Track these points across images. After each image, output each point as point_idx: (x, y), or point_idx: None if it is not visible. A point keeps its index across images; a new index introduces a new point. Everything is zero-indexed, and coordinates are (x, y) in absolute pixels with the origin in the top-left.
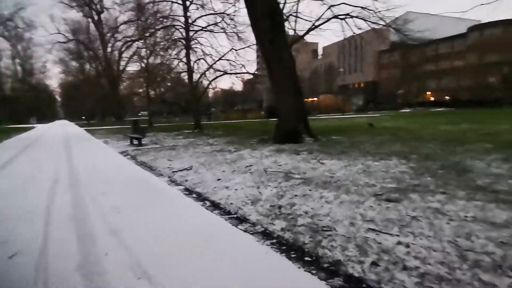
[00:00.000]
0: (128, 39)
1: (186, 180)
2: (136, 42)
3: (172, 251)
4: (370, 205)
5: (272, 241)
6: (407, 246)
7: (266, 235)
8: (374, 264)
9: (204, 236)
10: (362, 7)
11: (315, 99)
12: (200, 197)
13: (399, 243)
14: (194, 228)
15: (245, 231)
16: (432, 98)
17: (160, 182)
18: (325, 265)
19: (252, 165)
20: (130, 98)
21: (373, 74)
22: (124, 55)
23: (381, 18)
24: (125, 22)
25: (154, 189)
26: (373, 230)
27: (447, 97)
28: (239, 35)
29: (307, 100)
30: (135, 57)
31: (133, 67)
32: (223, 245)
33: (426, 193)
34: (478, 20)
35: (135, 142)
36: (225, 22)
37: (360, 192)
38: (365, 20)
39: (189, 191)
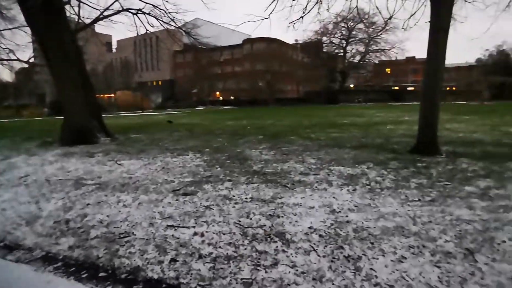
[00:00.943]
0: None
1: None
2: None
3: None
4: (168, 201)
5: (56, 265)
6: (202, 235)
7: (48, 259)
8: (173, 260)
9: None
10: (153, 5)
11: (112, 95)
12: None
13: (195, 234)
14: None
15: (17, 261)
16: (221, 98)
17: None
18: (123, 276)
19: (28, 175)
20: None
21: (170, 73)
22: None
23: (172, 19)
24: None
25: None
26: (171, 226)
27: (232, 97)
28: (2, 11)
29: (102, 96)
30: None
31: None
32: None
33: (217, 183)
34: (249, 34)
35: None
36: None
37: (159, 190)
38: (157, 18)
39: None
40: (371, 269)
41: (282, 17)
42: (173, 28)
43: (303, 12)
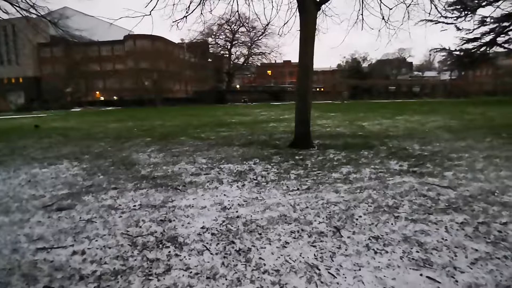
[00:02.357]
0: None
1: None
2: None
3: None
4: (38, 220)
5: None
6: (83, 253)
7: None
8: None
9: None
10: None
11: None
12: None
13: (74, 253)
14: None
15: None
16: (101, 98)
17: None
18: None
19: None
20: None
21: (34, 69)
22: None
23: (32, 6)
24: None
25: None
26: (43, 249)
27: (115, 97)
28: None
29: None
30: None
31: None
32: None
33: (99, 192)
34: (130, 30)
35: None
36: None
37: (24, 208)
38: (12, 4)
39: None
40: (260, 258)
41: (165, 15)
42: (34, 16)
43: (186, 12)
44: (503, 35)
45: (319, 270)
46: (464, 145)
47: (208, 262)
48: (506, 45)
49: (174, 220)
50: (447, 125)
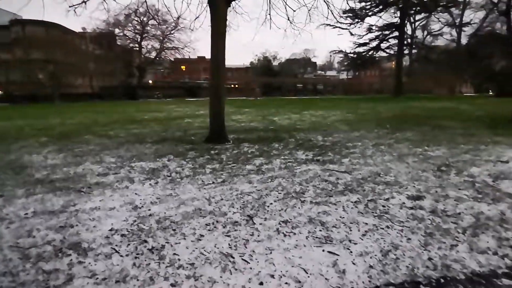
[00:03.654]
0: None
1: None
2: None
3: None
4: None
5: None
6: None
7: None
8: None
9: None
10: None
11: None
12: None
13: None
14: None
15: None
16: None
17: None
18: None
19: None
20: None
21: None
22: None
23: None
24: None
25: None
26: None
27: (0, 92)
28: None
29: None
30: None
31: None
32: None
33: None
34: (16, 14)
35: None
36: None
37: None
38: None
39: None
40: (174, 254)
41: None
42: None
43: None
44: (385, 42)
45: (233, 258)
46: (358, 135)
47: (118, 265)
48: (387, 50)
49: (76, 225)
50: (345, 119)
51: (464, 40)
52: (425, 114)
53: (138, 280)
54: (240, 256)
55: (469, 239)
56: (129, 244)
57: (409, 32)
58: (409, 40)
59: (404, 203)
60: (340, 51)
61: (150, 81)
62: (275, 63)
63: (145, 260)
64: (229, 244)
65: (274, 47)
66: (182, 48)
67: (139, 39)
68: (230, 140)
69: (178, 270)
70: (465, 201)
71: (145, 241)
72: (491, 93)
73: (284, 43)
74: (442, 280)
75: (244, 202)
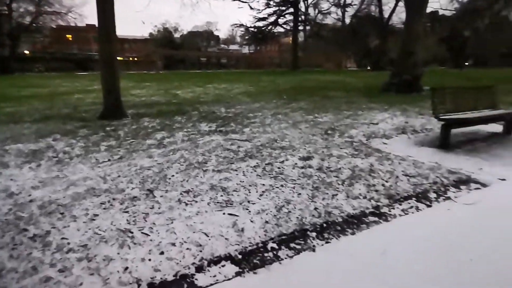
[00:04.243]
0: None
1: None
2: None
3: None
4: None
5: None
6: None
7: None
8: None
9: None
10: None
11: None
12: None
13: None
14: None
15: None
16: None
17: None
18: None
19: None
20: None
21: None
22: None
23: None
24: None
25: None
26: None
27: None
28: None
29: None
30: None
31: None
32: None
33: None
34: None
35: None
36: None
37: None
38: None
39: None
40: (62, 238)
41: None
42: None
43: None
44: (282, 17)
45: (132, 233)
46: (258, 106)
47: None
48: (284, 26)
49: None
50: (247, 91)
51: (347, 20)
52: (317, 86)
53: (17, 272)
54: (139, 230)
55: (346, 188)
56: (3, 236)
57: (303, 9)
58: (303, 17)
59: (296, 163)
60: (241, 25)
61: (27, 52)
62: (177, 35)
63: (26, 250)
64: (127, 220)
65: (175, 18)
66: (65, 14)
67: (8, 1)
68: (128, 115)
69: (68, 254)
70: (344, 157)
71: (25, 230)
72: (369, 68)
73: (183, 13)
74: (324, 225)
75: (143, 176)
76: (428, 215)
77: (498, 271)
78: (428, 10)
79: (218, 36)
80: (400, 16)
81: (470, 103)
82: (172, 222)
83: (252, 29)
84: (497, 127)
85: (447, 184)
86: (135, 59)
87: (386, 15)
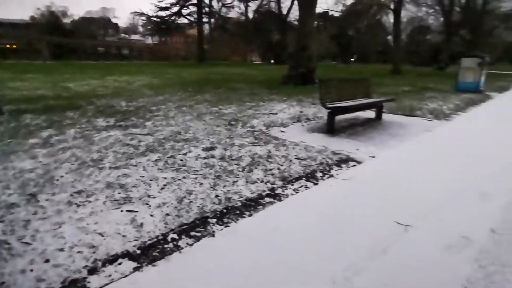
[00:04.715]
0: None
1: None
2: None
3: None
4: None
5: None
6: None
7: None
8: None
9: None
10: None
11: None
12: None
13: None
14: None
15: None
16: None
17: None
18: None
19: None
20: None
21: None
22: None
23: None
24: None
25: None
26: None
27: None
28: None
29: None
30: None
31: None
32: None
33: None
34: None
35: None
36: None
37: None
38: None
39: None
40: None
41: None
42: None
43: None
44: (186, 8)
45: (9, 244)
46: (162, 99)
47: None
48: (188, 17)
49: None
50: (151, 84)
51: (250, 14)
52: (222, 78)
53: None
54: (18, 239)
55: (246, 174)
56: None
57: (207, 1)
58: (207, 9)
59: (199, 155)
60: (142, 13)
61: None
62: (66, 20)
63: None
64: (2, 231)
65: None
66: None
67: None
68: (5, 112)
69: None
70: (246, 146)
71: None
72: (272, 61)
73: None
74: (225, 211)
75: (24, 180)
76: (315, 192)
77: (369, 231)
78: (320, 10)
79: (117, 24)
80: (296, 14)
81: (351, 93)
82: (60, 227)
83: (155, 18)
84: (370, 114)
85: (331, 164)
86: (14, 46)
87: (285, 11)
